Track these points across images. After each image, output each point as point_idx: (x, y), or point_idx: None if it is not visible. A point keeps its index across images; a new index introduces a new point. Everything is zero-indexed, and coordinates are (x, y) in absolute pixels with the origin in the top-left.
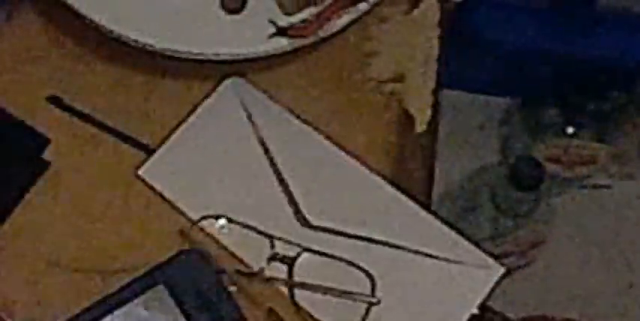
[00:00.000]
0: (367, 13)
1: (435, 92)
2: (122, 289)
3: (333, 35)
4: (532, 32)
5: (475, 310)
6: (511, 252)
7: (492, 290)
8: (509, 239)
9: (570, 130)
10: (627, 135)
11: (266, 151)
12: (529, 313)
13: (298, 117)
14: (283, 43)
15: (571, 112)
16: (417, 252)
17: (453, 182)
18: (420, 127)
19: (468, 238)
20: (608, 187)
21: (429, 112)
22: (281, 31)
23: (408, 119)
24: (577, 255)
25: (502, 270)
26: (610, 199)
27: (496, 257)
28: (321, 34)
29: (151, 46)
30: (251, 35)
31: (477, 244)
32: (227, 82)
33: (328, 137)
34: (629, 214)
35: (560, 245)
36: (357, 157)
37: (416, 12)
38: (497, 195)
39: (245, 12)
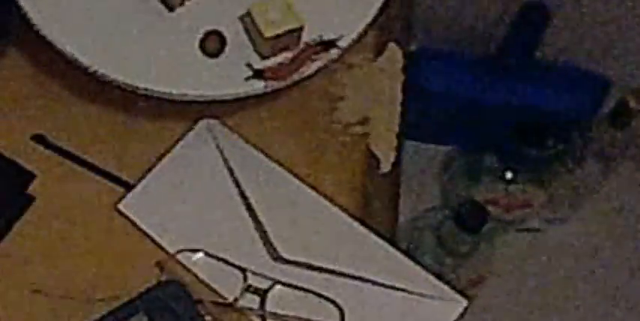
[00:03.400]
0: (335, 60)
1: (399, 135)
2: (104, 317)
3: (304, 80)
4: (473, 84)
5: None
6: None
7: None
8: (451, 277)
9: (508, 175)
10: (562, 181)
11: (239, 188)
12: None
13: (269, 157)
14: (259, 86)
15: (510, 159)
16: (383, 285)
17: (400, 223)
18: (385, 167)
19: (432, 272)
20: (541, 230)
21: (393, 154)
22: (257, 74)
23: (373, 160)
24: (513, 293)
25: (465, 302)
26: (543, 241)
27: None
28: (296, 77)
29: (133, 86)
30: (228, 77)
31: (440, 278)
32: (202, 122)
33: (298, 176)
34: (561, 255)
35: (498, 284)
36: (325, 196)
37: (380, 59)
38: (440, 236)
39: (223, 55)
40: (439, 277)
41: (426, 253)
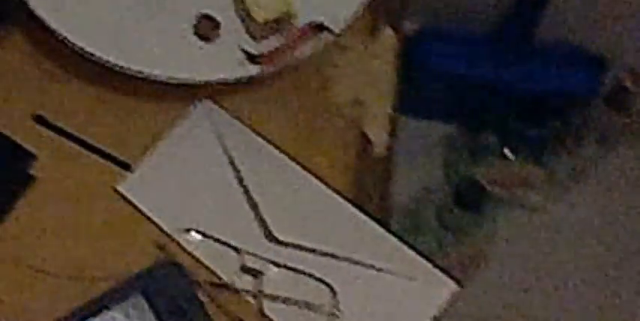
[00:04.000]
0: (329, 42)
1: (392, 117)
2: (103, 296)
3: (298, 63)
4: (475, 64)
5: None
6: (454, 267)
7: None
8: (453, 255)
9: (508, 153)
10: (561, 160)
11: (235, 170)
12: None
13: (265, 139)
14: (252, 70)
15: (510, 138)
16: (375, 267)
17: (402, 201)
18: (378, 150)
19: (424, 256)
20: (541, 207)
21: (385, 136)
22: (251, 58)
23: (366, 142)
24: (514, 269)
25: (455, 286)
26: (542, 218)
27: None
28: (289, 60)
29: (131, 69)
30: (223, 62)
31: (431, 261)
32: (199, 104)
33: (292, 158)
34: (559, 231)
35: (497, 260)
36: (319, 178)
37: (374, 42)
38: (442, 213)
39: (217, 40)
40: (430, 260)
41: (428, 230)
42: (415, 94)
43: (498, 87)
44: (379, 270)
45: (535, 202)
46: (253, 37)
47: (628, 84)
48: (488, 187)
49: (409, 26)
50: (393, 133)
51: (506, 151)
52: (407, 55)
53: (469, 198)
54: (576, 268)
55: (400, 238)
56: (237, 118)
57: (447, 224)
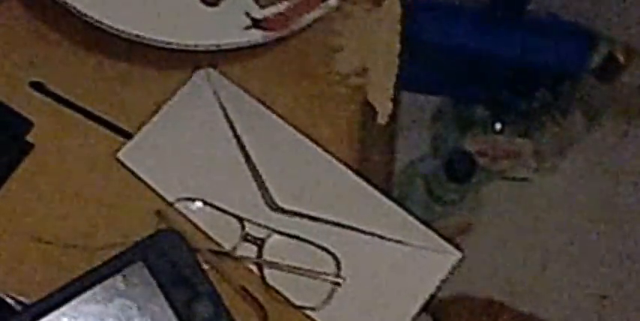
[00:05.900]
0: (334, 8)
1: (397, 86)
2: (103, 265)
3: (303, 30)
4: (465, 36)
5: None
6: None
7: (450, 273)
8: (440, 225)
9: (497, 126)
10: (548, 132)
11: (237, 138)
12: (454, 293)
13: (267, 107)
14: (257, 36)
15: (499, 111)
16: (378, 236)
17: None
18: (382, 118)
19: (427, 225)
20: (528, 179)
21: (390, 105)
22: (256, 24)
23: (370, 111)
24: (499, 240)
25: (459, 254)
26: (529, 190)
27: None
28: (294, 27)
29: (130, 34)
30: (227, 27)
31: (435, 230)
32: (201, 72)
33: (296, 126)
34: (546, 204)
35: (484, 231)
36: (322, 146)
37: (378, 9)
38: (430, 184)
39: (222, 4)
40: (434, 229)
41: (415, 201)
42: (406, 66)
43: (489, 60)
44: (382, 238)
45: (523, 174)
46: (259, 2)
47: (620, 58)
48: (478, 159)
49: None
50: (396, 102)
51: (495, 123)
52: None
53: (460, 169)
54: (561, 237)
55: (404, 207)
56: (240, 85)
57: (436, 195)
